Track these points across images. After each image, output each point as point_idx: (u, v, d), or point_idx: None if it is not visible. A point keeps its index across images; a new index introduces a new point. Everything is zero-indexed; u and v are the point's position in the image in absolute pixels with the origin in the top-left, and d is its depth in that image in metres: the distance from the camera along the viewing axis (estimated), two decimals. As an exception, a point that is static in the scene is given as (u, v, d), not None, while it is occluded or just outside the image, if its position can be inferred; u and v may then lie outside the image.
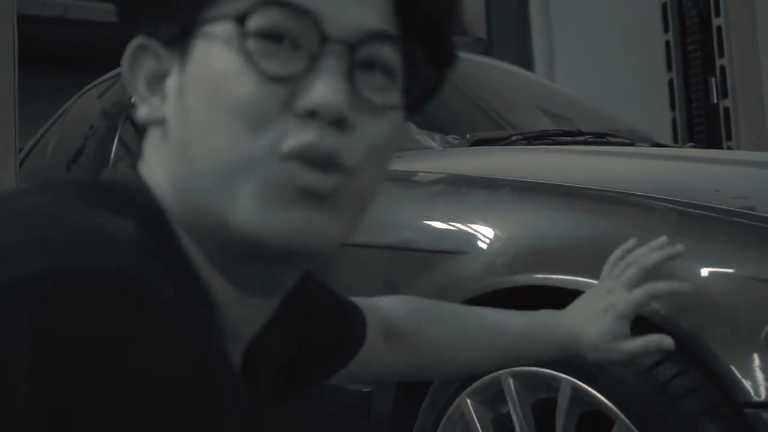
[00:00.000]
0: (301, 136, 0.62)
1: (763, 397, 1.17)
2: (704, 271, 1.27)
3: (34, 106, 2.19)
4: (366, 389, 1.65)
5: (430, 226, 1.65)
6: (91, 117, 2.98)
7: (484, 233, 1.54)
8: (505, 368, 1.30)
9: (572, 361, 1.32)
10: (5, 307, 0.51)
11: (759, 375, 1.18)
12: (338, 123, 0.63)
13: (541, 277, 1.42)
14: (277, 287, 0.71)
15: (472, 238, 1.55)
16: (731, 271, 1.26)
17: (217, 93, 0.63)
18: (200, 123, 0.64)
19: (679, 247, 1.11)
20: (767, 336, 1.18)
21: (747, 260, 1.26)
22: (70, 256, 0.54)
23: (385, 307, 1.07)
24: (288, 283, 0.72)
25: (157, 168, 0.68)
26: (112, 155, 2.67)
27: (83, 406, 0.51)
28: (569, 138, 2.25)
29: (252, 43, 0.62)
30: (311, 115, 0.62)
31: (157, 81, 0.68)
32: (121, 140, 2.67)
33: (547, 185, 1.59)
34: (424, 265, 1.60)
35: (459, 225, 1.60)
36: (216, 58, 0.64)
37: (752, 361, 1.19)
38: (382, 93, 0.66)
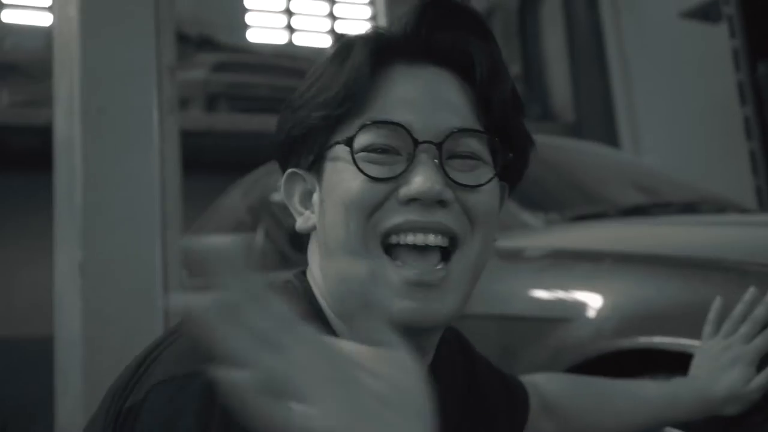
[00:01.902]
0: (403, 215, 0.72)
1: None
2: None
3: (189, 205, 2.32)
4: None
5: (539, 296, 1.64)
6: (237, 213, 3.09)
7: (589, 301, 1.52)
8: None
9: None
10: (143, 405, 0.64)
11: None
12: (440, 203, 0.72)
13: (644, 340, 1.38)
14: (417, 351, 0.75)
15: (579, 306, 1.53)
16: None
17: (339, 195, 0.73)
18: (331, 221, 0.73)
19: None
20: None
21: None
22: (186, 362, 0.64)
23: (540, 382, 1.10)
24: (427, 347, 0.79)
25: (316, 270, 0.78)
26: (257, 245, 2.75)
27: None
28: (661, 209, 2.20)
29: (361, 156, 0.72)
30: (413, 201, 0.71)
31: (307, 198, 0.79)
32: (265, 232, 2.76)
33: (645, 255, 1.55)
34: (536, 332, 1.59)
35: (566, 294, 1.58)
36: (338, 171, 0.74)
37: None
38: (473, 173, 0.75)
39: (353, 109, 0.74)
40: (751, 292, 1.16)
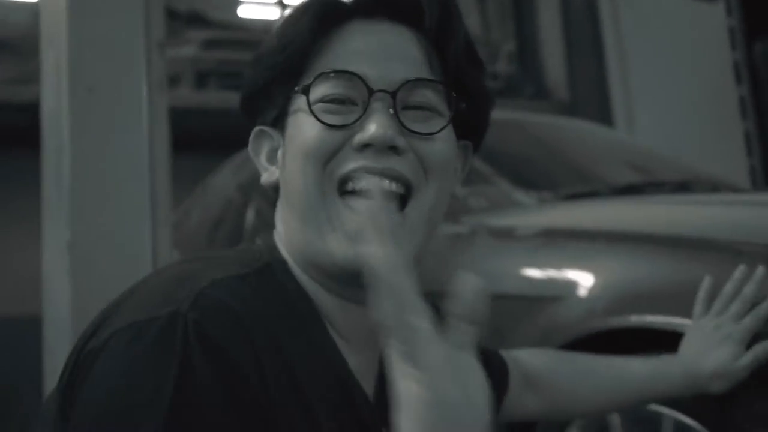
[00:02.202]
0: (357, 161, 0.74)
1: None
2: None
3: (179, 183, 2.31)
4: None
5: (532, 275, 1.64)
6: (227, 191, 3.09)
7: (581, 280, 1.52)
8: (629, 407, 1.27)
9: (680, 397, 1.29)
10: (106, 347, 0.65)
11: None
12: (393, 150, 0.74)
13: (636, 319, 1.39)
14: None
15: (571, 285, 1.53)
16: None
17: (297, 146, 0.76)
18: (290, 171, 0.77)
19: None
20: None
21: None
22: (148, 308, 0.66)
23: (523, 358, 1.11)
24: None
25: (279, 223, 0.81)
26: (246, 224, 2.75)
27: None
28: (654, 188, 2.21)
29: (318, 107, 0.75)
30: (367, 147, 0.73)
31: (273, 154, 0.82)
32: (256, 210, 2.75)
33: (638, 234, 1.56)
34: (527, 311, 1.59)
35: (558, 273, 1.58)
36: (298, 123, 0.77)
37: None
38: (428, 123, 0.77)
39: (307, 62, 0.77)
40: (740, 270, 1.16)
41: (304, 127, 0.76)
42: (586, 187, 2.23)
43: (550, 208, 1.99)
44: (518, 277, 1.66)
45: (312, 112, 0.75)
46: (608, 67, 5.65)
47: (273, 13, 6.21)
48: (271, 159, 0.82)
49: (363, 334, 0.78)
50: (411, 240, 0.75)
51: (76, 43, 2.17)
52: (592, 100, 5.76)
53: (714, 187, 2.32)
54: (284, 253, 0.78)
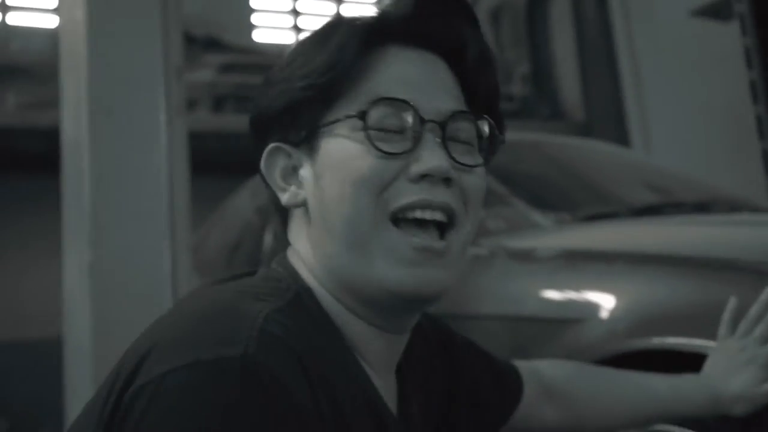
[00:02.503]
0: (416, 194, 0.74)
1: None
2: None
3: (198, 206, 2.33)
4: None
5: (552, 296, 1.64)
6: (246, 214, 3.10)
7: (602, 302, 1.52)
8: (649, 424, 1.26)
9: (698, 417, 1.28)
10: (158, 392, 0.62)
11: None
12: (445, 182, 0.75)
13: (658, 340, 1.38)
14: (407, 325, 0.82)
15: (592, 307, 1.53)
16: None
17: (347, 172, 0.74)
18: (334, 197, 0.75)
19: None
20: None
21: None
22: (208, 346, 0.63)
23: (544, 369, 1.11)
24: (407, 327, 0.82)
25: (303, 246, 0.79)
26: (264, 246, 2.75)
27: None
28: (673, 209, 2.19)
29: (372, 134, 0.74)
30: (423, 177, 0.74)
31: (289, 173, 0.80)
32: (274, 234, 2.76)
33: (658, 255, 1.55)
34: (548, 333, 1.59)
35: (579, 295, 1.58)
36: (344, 148, 0.75)
37: None
38: (468, 156, 0.78)
39: (342, 83, 0.76)
40: (767, 292, 1.15)
41: (354, 153, 0.74)
42: (605, 207, 2.22)
43: (568, 229, 1.98)
44: (539, 299, 1.65)
45: (369, 139, 0.74)
46: (623, 87, 5.65)
47: (288, 37, 6.27)
48: (287, 178, 0.80)
49: (386, 359, 0.80)
50: (454, 263, 0.77)
51: (96, 67, 2.20)
52: (608, 120, 5.76)
53: (733, 206, 2.31)
54: (309, 278, 0.77)
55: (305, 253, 0.78)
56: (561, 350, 1.53)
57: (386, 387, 0.80)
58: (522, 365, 1.08)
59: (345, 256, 0.75)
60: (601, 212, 2.13)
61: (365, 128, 0.74)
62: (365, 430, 0.71)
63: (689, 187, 2.58)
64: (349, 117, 0.75)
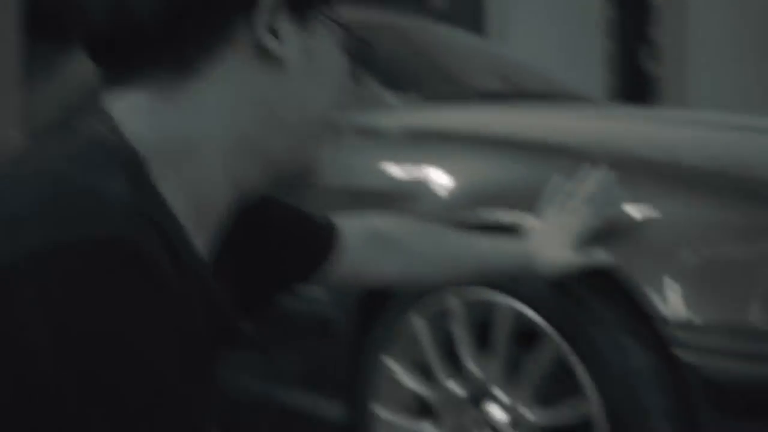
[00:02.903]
0: None
1: (668, 312, 1.23)
2: (634, 212, 1.31)
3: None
4: (329, 309, 1.67)
5: (393, 172, 1.68)
6: (84, 78, 2.94)
7: (440, 178, 1.58)
8: (473, 278, 1.36)
9: (509, 283, 1.38)
10: (15, 281, 0.51)
11: (666, 294, 1.23)
12: None
13: (487, 213, 1.46)
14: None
15: (431, 182, 1.59)
16: (656, 214, 1.30)
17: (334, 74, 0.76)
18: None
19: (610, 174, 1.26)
20: (677, 262, 1.24)
21: (669, 205, 1.31)
22: (71, 227, 0.53)
23: (378, 223, 1.11)
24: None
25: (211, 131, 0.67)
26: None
27: (104, 370, 0.51)
28: (516, 97, 2.27)
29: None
30: None
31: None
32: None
33: (494, 137, 1.62)
34: (389, 205, 1.63)
35: (420, 171, 1.63)
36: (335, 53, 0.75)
37: (667, 287, 1.24)
38: None
39: None
40: (583, 169, 1.25)
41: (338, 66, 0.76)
42: (453, 91, 2.27)
43: (416, 109, 2.02)
44: (381, 174, 1.69)
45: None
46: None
47: None
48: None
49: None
50: None
51: None
52: (467, 9, 5.80)
53: (574, 99, 2.42)
54: (145, 140, 0.65)
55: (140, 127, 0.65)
56: (398, 222, 1.59)
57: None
58: (352, 222, 1.07)
59: (297, 137, 0.72)
60: (450, 95, 2.18)
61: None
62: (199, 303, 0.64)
63: (536, 79, 2.66)
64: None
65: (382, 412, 1.58)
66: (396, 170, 1.68)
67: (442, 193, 1.55)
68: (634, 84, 3.95)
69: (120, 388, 0.52)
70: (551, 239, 1.23)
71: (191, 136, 0.65)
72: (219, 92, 0.65)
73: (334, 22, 0.73)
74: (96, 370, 0.51)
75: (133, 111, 0.64)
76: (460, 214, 1.48)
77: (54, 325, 0.50)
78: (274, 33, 0.66)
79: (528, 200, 1.41)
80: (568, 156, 1.48)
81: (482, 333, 1.46)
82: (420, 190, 1.59)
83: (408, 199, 1.59)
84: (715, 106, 3.21)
